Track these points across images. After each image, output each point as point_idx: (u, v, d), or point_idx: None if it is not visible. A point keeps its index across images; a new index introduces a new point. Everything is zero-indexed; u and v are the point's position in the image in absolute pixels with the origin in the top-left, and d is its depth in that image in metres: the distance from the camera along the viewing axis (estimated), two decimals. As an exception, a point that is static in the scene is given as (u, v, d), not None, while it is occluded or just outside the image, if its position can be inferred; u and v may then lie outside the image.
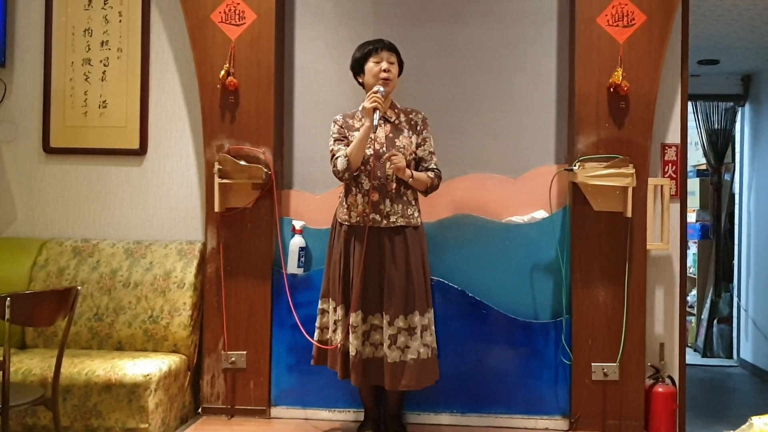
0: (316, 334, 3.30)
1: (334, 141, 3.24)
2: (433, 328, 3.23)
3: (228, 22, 3.60)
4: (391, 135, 3.22)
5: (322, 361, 3.28)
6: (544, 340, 3.52)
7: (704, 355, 6.53)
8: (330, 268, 3.26)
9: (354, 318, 3.11)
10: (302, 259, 3.61)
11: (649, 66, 3.44)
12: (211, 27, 3.60)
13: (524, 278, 3.57)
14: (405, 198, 3.20)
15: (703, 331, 6.63)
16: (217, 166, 3.54)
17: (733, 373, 6.09)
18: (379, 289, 3.13)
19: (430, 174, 3.25)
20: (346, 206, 3.22)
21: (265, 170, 3.54)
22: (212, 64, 3.60)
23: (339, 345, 3.16)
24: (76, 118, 3.91)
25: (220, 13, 3.60)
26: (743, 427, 1.91)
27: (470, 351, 3.53)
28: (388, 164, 3.11)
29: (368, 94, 3.12)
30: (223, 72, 3.55)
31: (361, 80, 3.31)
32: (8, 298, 2.51)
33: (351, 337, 3.12)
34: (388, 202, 3.15)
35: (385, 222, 3.15)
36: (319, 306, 3.30)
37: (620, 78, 3.39)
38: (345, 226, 3.21)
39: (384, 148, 3.17)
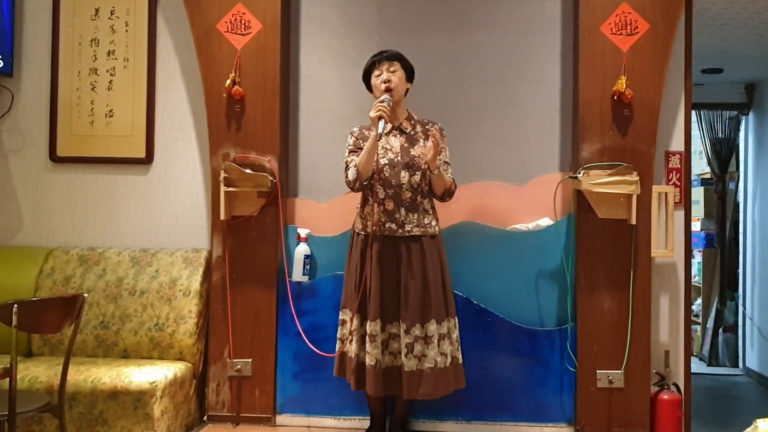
0: (337, 345, 3.30)
1: (349, 152, 3.27)
2: (454, 336, 3.23)
3: (234, 31, 3.62)
4: (406, 145, 3.23)
5: (342, 373, 3.26)
6: (549, 347, 3.52)
7: (710, 364, 6.51)
8: (348, 278, 3.27)
9: (373, 327, 3.11)
10: (307, 267, 3.61)
11: (653, 74, 3.46)
12: (217, 36, 3.63)
13: (529, 286, 3.57)
14: (421, 207, 3.21)
15: (708, 339, 6.61)
16: (222, 175, 3.55)
17: (738, 381, 6.06)
18: (397, 297, 3.13)
19: (451, 178, 3.26)
20: (362, 216, 3.24)
21: (271, 178, 3.56)
22: (218, 74, 3.62)
23: (352, 355, 3.16)
24: (82, 127, 3.93)
25: (226, 22, 3.62)
26: (748, 429, 1.92)
27: (475, 358, 3.52)
28: (424, 149, 3.15)
29: (375, 102, 3.15)
30: (229, 81, 3.57)
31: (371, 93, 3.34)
32: (15, 305, 2.52)
33: (369, 346, 3.11)
34: (403, 210, 3.17)
35: (400, 231, 3.16)
36: (340, 317, 3.30)
37: (624, 86, 3.41)
38: (361, 236, 3.22)
39: (399, 158, 3.18)
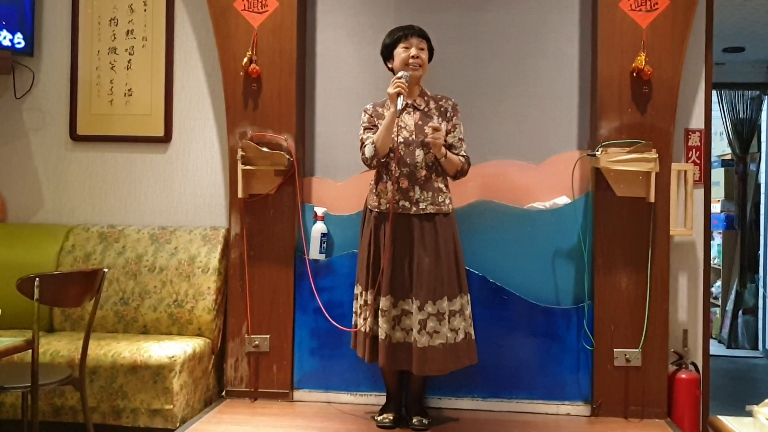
0: (353, 318, 3.34)
1: (364, 129, 3.27)
2: (467, 312, 3.23)
3: (251, 9, 3.62)
4: (420, 122, 3.22)
5: (356, 345, 3.31)
6: (566, 325, 3.51)
7: (729, 346, 6.47)
8: (361, 253, 3.29)
9: (384, 302, 3.14)
10: (324, 245, 3.63)
11: (673, 51, 3.42)
12: (234, 15, 3.63)
13: (546, 264, 3.56)
14: (435, 185, 3.20)
15: (728, 322, 6.57)
16: (240, 153, 3.57)
17: (758, 364, 6.03)
18: (410, 274, 3.15)
19: (461, 159, 3.26)
20: (376, 193, 3.24)
21: (288, 157, 3.57)
22: (235, 52, 3.62)
23: (367, 329, 3.19)
24: (102, 106, 3.97)
25: (242, 1, 3.62)
26: (766, 401, 1.92)
27: (492, 337, 3.53)
28: (426, 139, 3.13)
29: (392, 79, 3.13)
30: (245, 59, 3.57)
31: (390, 66, 3.31)
32: (37, 278, 2.57)
33: (381, 320, 3.14)
34: (417, 189, 3.17)
35: (414, 209, 3.16)
36: (355, 291, 3.34)
37: (643, 62, 3.36)
38: (375, 213, 3.23)
39: (413, 136, 3.18)
